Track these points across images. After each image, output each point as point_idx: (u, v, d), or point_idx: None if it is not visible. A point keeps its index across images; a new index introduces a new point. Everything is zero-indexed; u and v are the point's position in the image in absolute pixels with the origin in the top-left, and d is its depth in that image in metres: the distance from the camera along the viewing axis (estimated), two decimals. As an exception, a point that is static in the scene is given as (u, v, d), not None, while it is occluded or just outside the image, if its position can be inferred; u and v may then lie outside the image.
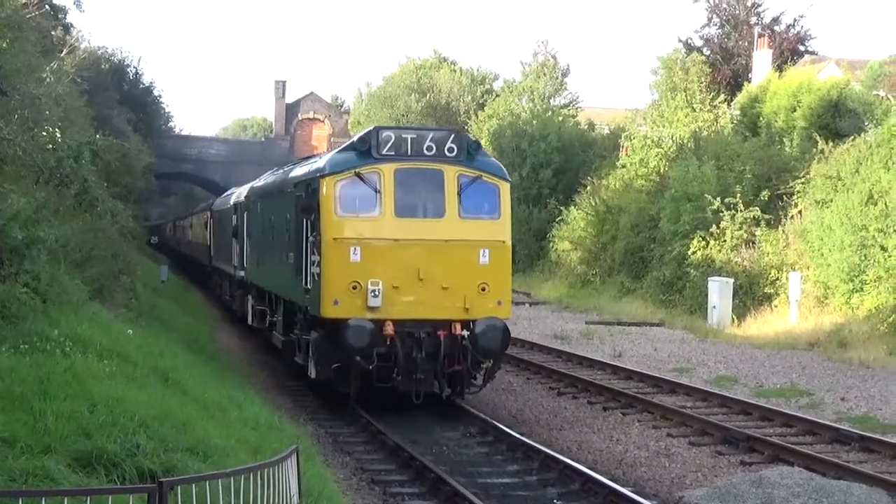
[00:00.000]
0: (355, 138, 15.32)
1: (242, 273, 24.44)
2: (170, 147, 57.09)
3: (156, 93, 56.34)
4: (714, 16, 48.99)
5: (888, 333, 21.74)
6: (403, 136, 14.50)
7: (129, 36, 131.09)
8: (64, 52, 31.14)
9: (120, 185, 31.03)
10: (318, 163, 15.74)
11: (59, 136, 20.09)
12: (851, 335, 22.43)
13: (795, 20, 49.02)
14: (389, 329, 13.88)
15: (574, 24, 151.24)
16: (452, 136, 14.71)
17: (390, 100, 63.87)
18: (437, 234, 14.26)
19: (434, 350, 13.95)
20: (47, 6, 27.95)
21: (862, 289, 23.88)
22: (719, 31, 48.94)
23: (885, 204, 23.92)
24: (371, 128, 15.00)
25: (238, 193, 27.34)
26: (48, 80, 22.25)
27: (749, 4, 48.52)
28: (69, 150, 20.08)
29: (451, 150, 14.38)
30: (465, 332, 13.98)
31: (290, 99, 74.07)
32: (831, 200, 26.14)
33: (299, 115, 73.44)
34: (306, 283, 15.09)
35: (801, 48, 48.28)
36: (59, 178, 19.41)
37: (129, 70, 52.55)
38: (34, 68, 20.03)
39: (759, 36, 45.13)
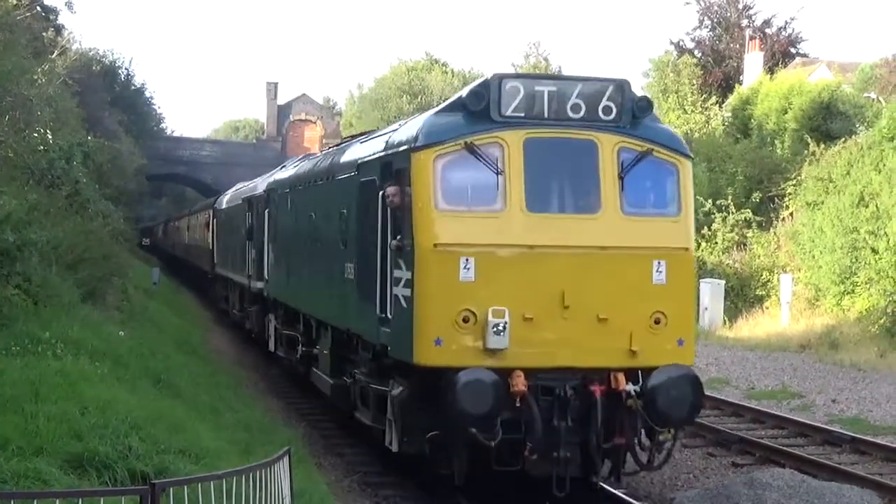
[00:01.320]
0: (464, 92, 10.31)
1: (261, 285, 20.23)
2: (161, 149, 57.17)
3: (147, 94, 57.07)
4: (705, 18, 49.22)
5: (879, 335, 21.90)
6: (538, 88, 9.94)
7: (121, 37, 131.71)
8: (55, 54, 31.29)
9: (111, 187, 31.12)
10: (404, 130, 10.72)
11: (50, 137, 20.45)
12: (842, 337, 22.59)
13: (787, 23, 49.22)
14: (520, 384, 9.40)
15: (565, 25, 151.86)
16: (611, 87, 9.93)
17: (381, 101, 64.24)
18: (589, 238, 9.75)
19: (585, 415, 9.57)
20: (38, 7, 28.16)
21: (853, 291, 24.05)
22: (710, 33, 49.15)
23: (876, 206, 24.10)
24: (488, 76, 10.26)
25: (253, 187, 23.35)
26: (39, 81, 22.62)
27: (740, 7, 48.74)
28: (60, 152, 20.46)
29: (607, 110, 9.86)
30: (633, 388, 9.61)
31: (281, 100, 73.96)
32: (822, 202, 26.33)
33: (291, 116, 73.56)
34: (384, 311, 10.42)
35: (793, 50, 48.51)
36: (51, 179, 19.69)
37: (120, 71, 52.91)
38: (25, 70, 20.31)
39: (751, 38, 45.36)
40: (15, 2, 23.95)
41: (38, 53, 26.72)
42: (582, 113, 9.81)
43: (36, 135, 19.78)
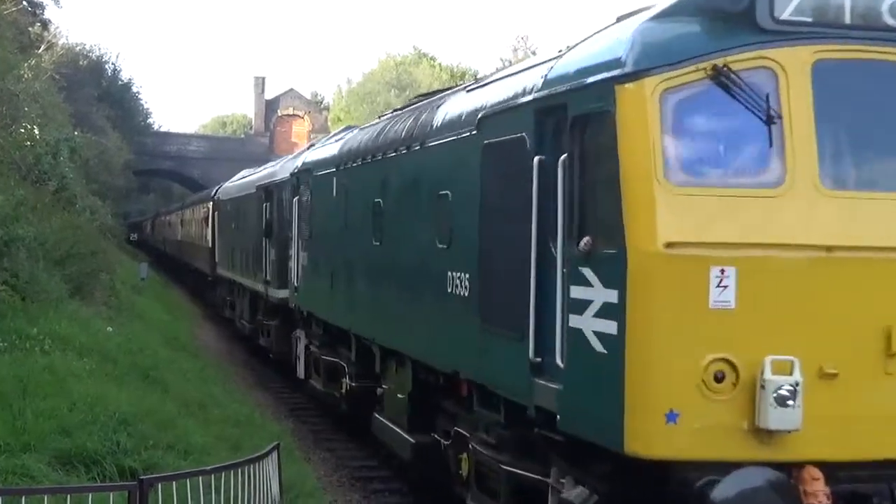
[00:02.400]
0: None
1: (284, 294, 17.11)
2: (149, 144, 57.70)
3: (135, 90, 58.88)
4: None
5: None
6: None
7: (108, 32, 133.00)
8: (42, 49, 32.10)
9: (98, 183, 32.69)
10: (590, 49, 6.82)
11: (37, 132, 21.29)
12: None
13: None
14: (818, 491, 5.85)
15: (554, 19, 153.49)
16: None
17: (370, 95, 65.23)
18: None
19: None
20: (25, 2, 28.70)
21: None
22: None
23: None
24: None
25: (270, 172, 20.08)
26: (26, 76, 23.34)
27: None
28: (47, 147, 21.32)
29: None
30: None
31: (269, 95, 76.23)
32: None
33: (279, 111, 74.35)
34: (548, 355, 6.81)
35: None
36: (38, 174, 20.57)
37: (107, 67, 54.42)
38: (12, 65, 21.09)
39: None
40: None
41: (25, 48, 27.76)
42: None
43: (23, 130, 20.86)
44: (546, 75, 6.96)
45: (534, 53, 57.37)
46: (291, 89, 77.62)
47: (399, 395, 10.14)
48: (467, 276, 8.05)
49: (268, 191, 18.74)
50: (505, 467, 7.56)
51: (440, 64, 69.38)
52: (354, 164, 12.17)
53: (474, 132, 7.98)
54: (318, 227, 13.89)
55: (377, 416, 11.17)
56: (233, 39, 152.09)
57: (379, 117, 13.47)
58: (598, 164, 6.21)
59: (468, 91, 9.10)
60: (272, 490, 8.77)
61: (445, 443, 9.09)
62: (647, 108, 5.82)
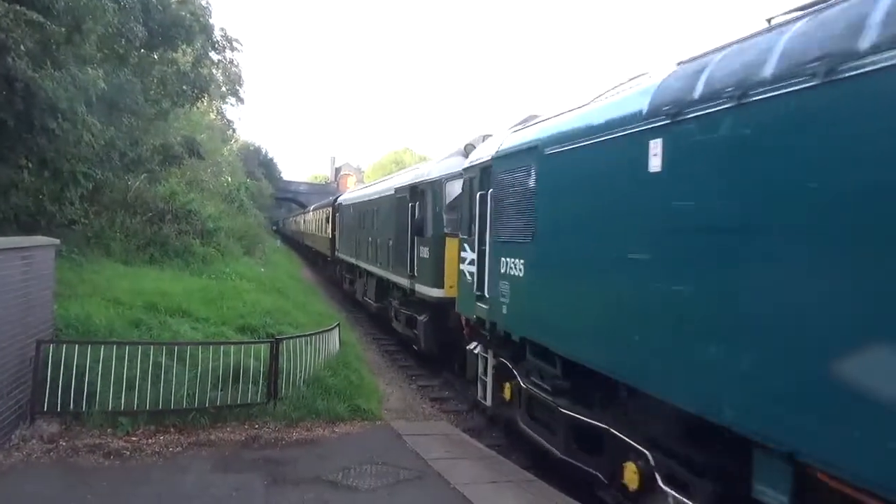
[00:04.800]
0: None
1: (437, 294, 15.50)
2: (280, 185, 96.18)
3: (274, 161, 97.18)
4: None
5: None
6: None
7: (260, 125, 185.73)
8: (232, 141, 61.77)
9: (258, 203, 55.96)
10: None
11: (229, 179, 43.45)
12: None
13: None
14: None
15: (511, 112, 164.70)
16: None
17: (383, 166, 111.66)
18: None
19: None
20: (225, 119, 56.43)
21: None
22: None
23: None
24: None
25: (414, 176, 18.21)
26: (225, 153, 48.65)
27: None
28: (235, 185, 42.95)
29: None
30: None
31: (337, 164, 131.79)
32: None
33: (341, 171, 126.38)
34: None
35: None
36: (230, 199, 39.23)
37: (262, 150, 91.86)
38: (218, 148, 44.65)
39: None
40: (213, 116, 48.29)
41: (225, 141, 54.83)
42: None
43: (222, 178, 42.40)
44: None
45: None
46: (347, 163, 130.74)
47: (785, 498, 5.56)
48: None
49: (416, 191, 17.18)
50: None
51: (414, 153, 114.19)
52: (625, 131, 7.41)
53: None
54: (555, 222, 9.08)
55: None
56: (322, 131, 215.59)
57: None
58: None
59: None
60: (336, 344, 14.76)
61: None
62: None
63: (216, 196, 34.92)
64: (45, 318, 11.10)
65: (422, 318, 16.79)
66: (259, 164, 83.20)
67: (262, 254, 33.19)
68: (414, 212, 17.37)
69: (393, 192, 19.65)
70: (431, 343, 16.55)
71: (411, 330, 17.77)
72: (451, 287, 14.48)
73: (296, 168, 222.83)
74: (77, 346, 10.78)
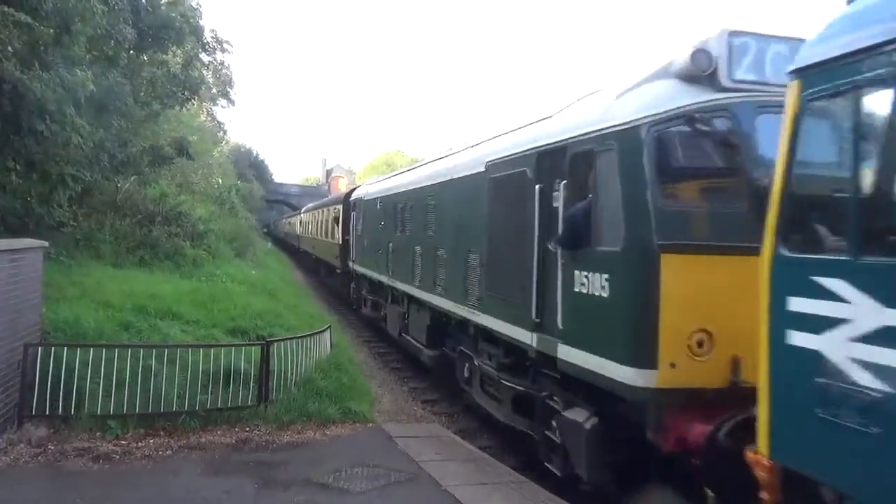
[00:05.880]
0: None
1: (636, 381, 7.21)
2: (271, 187, 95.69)
3: (265, 162, 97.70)
4: None
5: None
6: None
7: (251, 125, 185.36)
8: (223, 143, 62.49)
9: (248, 205, 55.02)
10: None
11: (220, 181, 43.03)
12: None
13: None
14: None
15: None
16: None
17: (375, 168, 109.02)
18: None
19: None
20: (217, 121, 57.80)
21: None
22: None
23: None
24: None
25: (534, 137, 9.91)
26: (215, 155, 48.56)
27: None
28: (225, 189, 42.35)
29: None
30: None
31: (329, 165, 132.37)
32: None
33: (332, 174, 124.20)
34: None
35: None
36: (221, 201, 38.53)
37: (253, 151, 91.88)
38: (209, 150, 44.74)
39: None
40: (204, 118, 50.03)
41: (216, 142, 55.45)
42: None
43: (213, 180, 41.75)
44: None
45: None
46: (338, 165, 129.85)
47: None
48: None
49: (558, 158, 9.16)
50: None
51: (405, 154, 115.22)
52: None
53: None
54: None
55: None
56: (312, 133, 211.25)
57: None
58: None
59: None
60: (327, 346, 14.79)
61: None
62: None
63: (207, 198, 35.09)
64: (34, 321, 11.06)
65: (582, 419, 8.57)
66: (250, 166, 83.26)
67: (253, 256, 33.46)
68: (549, 201, 9.35)
69: (483, 168, 11.74)
70: (599, 470, 8.43)
71: (542, 429, 9.73)
72: (672, 366, 7.20)
73: (287, 170, 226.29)
74: (66, 348, 10.76)
